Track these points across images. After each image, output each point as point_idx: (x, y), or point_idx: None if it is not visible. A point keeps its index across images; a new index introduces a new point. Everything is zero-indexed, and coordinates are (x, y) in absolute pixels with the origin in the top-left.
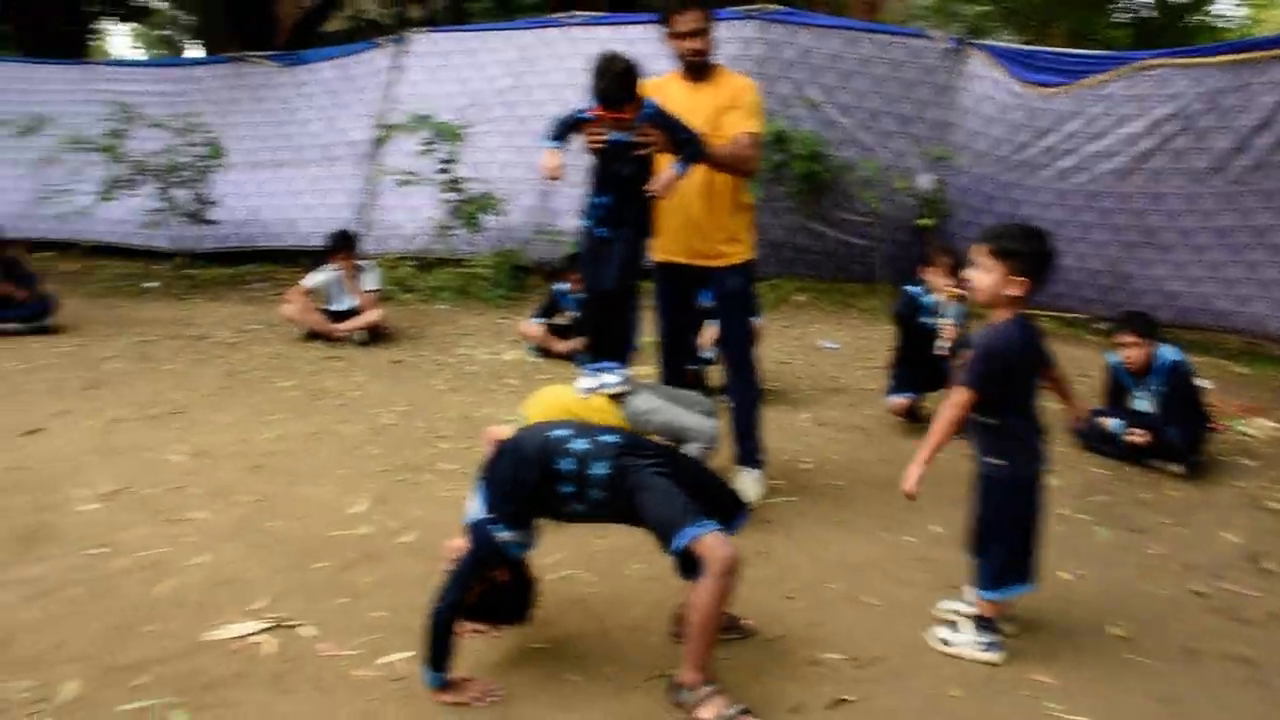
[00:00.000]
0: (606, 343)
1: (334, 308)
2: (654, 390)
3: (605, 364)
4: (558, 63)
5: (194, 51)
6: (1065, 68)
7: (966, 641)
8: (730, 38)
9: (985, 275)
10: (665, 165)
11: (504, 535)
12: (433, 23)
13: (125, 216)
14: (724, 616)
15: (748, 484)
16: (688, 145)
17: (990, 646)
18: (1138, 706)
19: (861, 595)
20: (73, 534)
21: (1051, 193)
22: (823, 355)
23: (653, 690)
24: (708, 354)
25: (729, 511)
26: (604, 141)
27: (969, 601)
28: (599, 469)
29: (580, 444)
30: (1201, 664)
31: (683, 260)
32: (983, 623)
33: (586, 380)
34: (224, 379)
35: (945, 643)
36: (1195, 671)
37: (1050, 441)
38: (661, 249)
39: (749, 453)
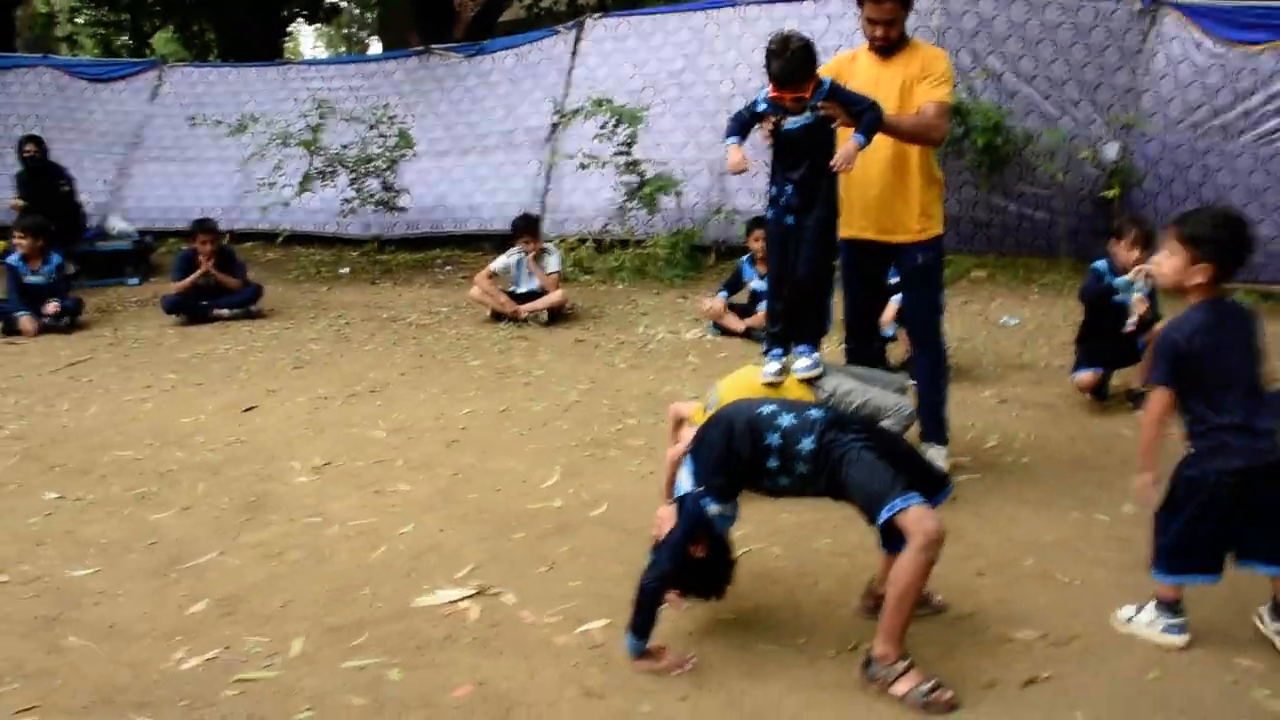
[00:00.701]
0: (799, 326)
1: (518, 289)
2: (845, 371)
3: (799, 348)
4: (731, 43)
5: (375, 47)
6: (1273, 22)
7: (1147, 620)
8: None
9: (1169, 259)
10: (846, 140)
11: (713, 508)
12: (606, 7)
13: (320, 206)
14: (923, 590)
15: (935, 461)
16: (867, 114)
17: (1170, 629)
18: None
19: (1054, 573)
20: (291, 503)
21: (1252, 157)
22: (1004, 331)
23: (844, 662)
24: (889, 331)
25: (931, 486)
26: (781, 128)
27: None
28: (805, 444)
29: (787, 419)
30: None
31: (871, 236)
32: (1162, 604)
33: (773, 365)
34: (417, 358)
35: (1126, 620)
36: None
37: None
38: (850, 226)
39: (935, 429)
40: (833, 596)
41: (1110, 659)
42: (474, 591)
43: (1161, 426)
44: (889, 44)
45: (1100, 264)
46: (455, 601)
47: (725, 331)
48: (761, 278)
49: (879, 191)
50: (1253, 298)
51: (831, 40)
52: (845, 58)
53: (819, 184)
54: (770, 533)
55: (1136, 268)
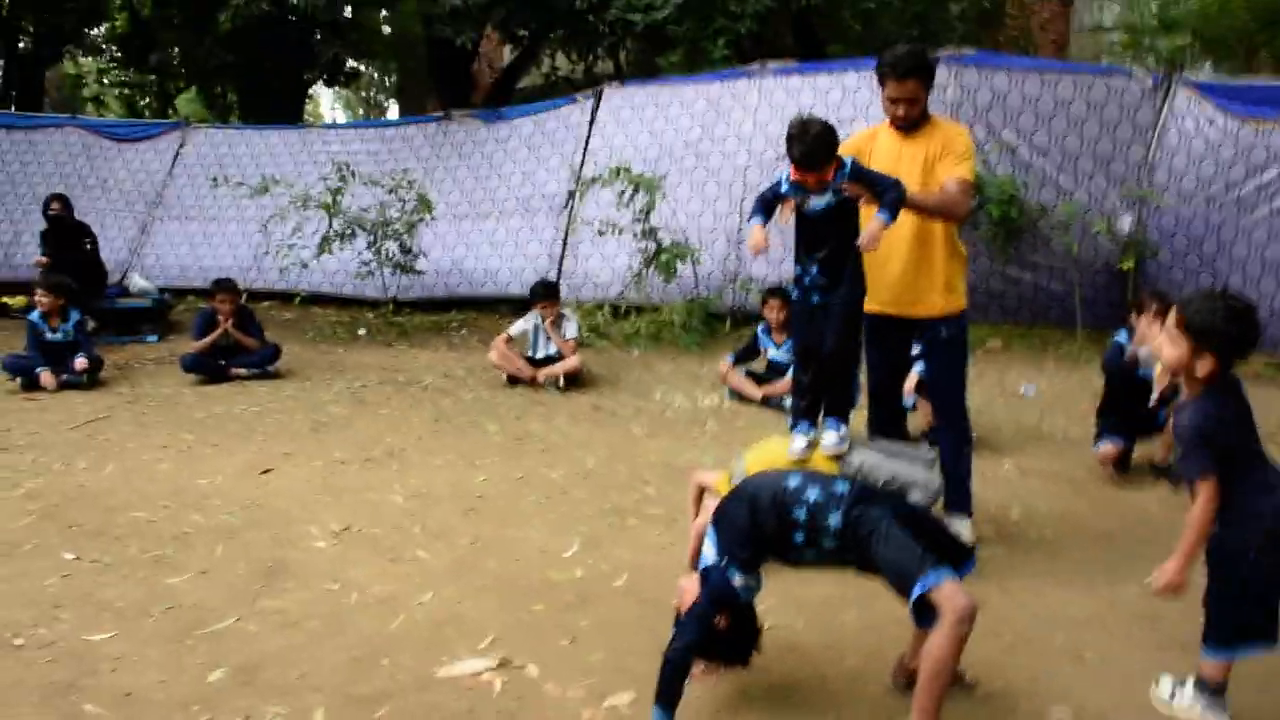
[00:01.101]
0: (827, 401)
1: (535, 354)
2: (871, 446)
3: (827, 421)
4: (747, 113)
5: (393, 110)
6: None
7: (1188, 703)
8: None
9: (1172, 347)
10: (870, 218)
11: (737, 580)
12: (624, 76)
13: (338, 268)
14: (956, 667)
15: (960, 533)
16: (890, 193)
17: (1210, 707)
18: None
19: (1083, 650)
20: (309, 569)
21: (1266, 231)
22: (1022, 402)
23: None
24: (909, 401)
25: (956, 558)
26: (804, 209)
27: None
28: (833, 519)
29: (813, 493)
30: None
31: (895, 312)
32: (1204, 685)
33: (800, 440)
34: (433, 423)
35: (1168, 698)
36: None
37: None
38: (873, 300)
39: (960, 500)
40: (861, 672)
41: None
42: (496, 663)
43: (1209, 522)
44: (910, 122)
45: (1121, 336)
46: (478, 673)
47: (742, 398)
48: (778, 347)
49: (903, 267)
50: (1270, 370)
51: (847, 112)
52: (865, 135)
53: (844, 263)
54: (795, 606)
55: (1158, 341)
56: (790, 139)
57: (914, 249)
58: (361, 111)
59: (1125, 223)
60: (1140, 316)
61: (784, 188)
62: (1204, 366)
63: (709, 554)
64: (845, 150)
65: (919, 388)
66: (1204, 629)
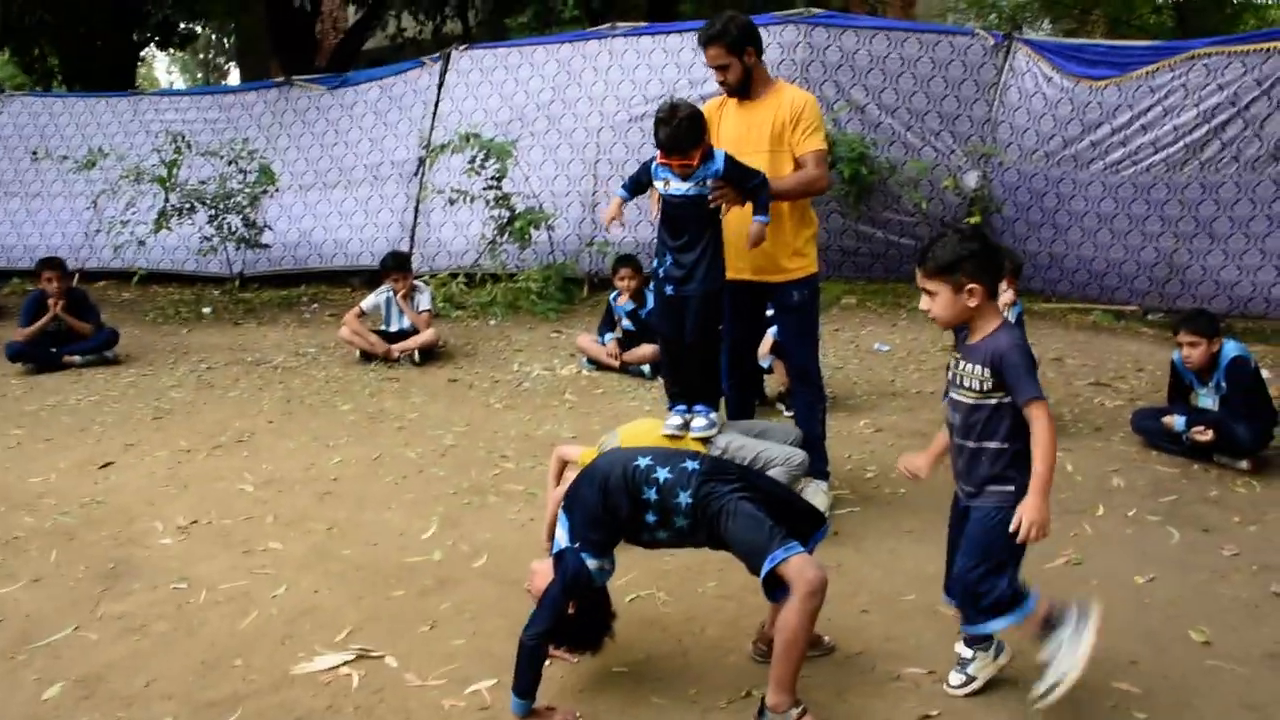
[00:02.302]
0: (694, 389)
1: (389, 328)
2: (739, 426)
3: (696, 407)
4: (599, 75)
5: (235, 74)
6: (1115, 60)
7: (980, 665)
8: (772, 43)
9: (935, 300)
10: (734, 215)
11: (591, 563)
12: (471, 39)
13: (178, 243)
14: (811, 637)
15: (815, 496)
16: (759, 192)
17: (997, 650)
18: (1226, 714)
19: (937, 606)
20: (154, 568)
21: (1101, 185)
22: (877, 358)
23: (737, 711)
24: (765, 363)
25: (809, 527)
26: (666, 194)
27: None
28: (682, 498)
29: (663, 473)
30: None
31: (748, 277)
32: (974, 638)
33: (676, 418)
34: (284, 404)
35: (970, 679)
36: None
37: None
38: (729, 268)
39: (816, 463)
40: (721, 642)
41: (996, 692)
42: (354, 656)
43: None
44: (734, 89)
45: None
46: (335, 668)
47: (601, 367)
48: (629, 313)
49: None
50: (1106, 318)
51: (699, 72)
52: (714, 105)
53: (699, 255)
54: (655, 577)
55: (1004, 297)
56: (657, 123)
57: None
58: (200, 76)
59: (971, 179)
60: None
61: (659, 175)
62: (974, 297)
63: (561, 538)
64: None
65: (774, 349)
66: (984, 604)
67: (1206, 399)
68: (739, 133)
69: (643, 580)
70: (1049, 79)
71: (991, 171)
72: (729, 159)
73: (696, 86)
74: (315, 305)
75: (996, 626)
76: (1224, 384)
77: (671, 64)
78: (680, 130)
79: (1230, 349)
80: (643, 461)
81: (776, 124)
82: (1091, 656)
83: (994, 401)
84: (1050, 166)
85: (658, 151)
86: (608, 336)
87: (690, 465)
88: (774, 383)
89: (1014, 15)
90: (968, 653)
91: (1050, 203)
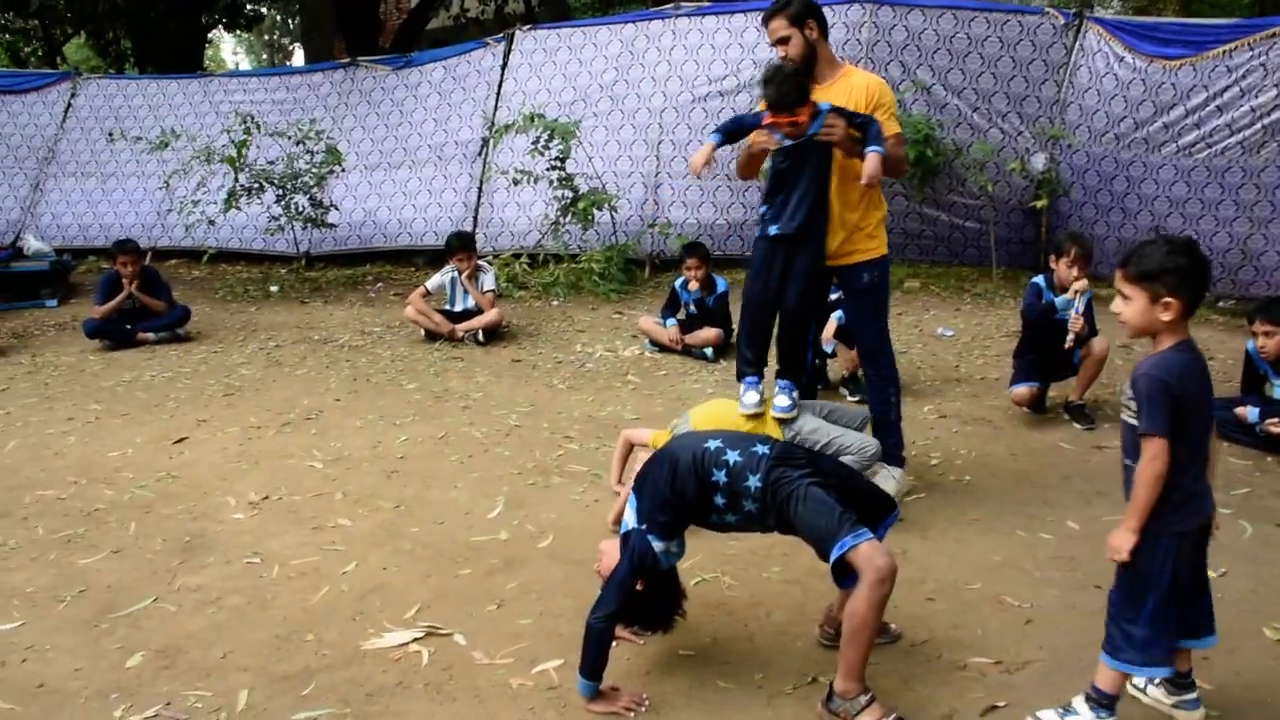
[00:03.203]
0: (782, 359)
1: (453, 308)
2: (812, 407)
3: (779, 383)
4: (663, 55)
5: (299, 54)
6: (1190, 39)
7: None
8: (837, 22)
9: (1129, 305)
10: (843, 161)
11: (658, 545)
12: (533, 18)
13: (246, 223)
14: (879, 624)
15: (889, 482)
16: (869, 126)
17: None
18: None
19: (1004, 596)
20: (228, 542)
21: (1173, 169)
22: (941, 343)
23: (803, 697)
24: (828, 347)
25: (878, 513)
26: (779, 145)
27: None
28: (752, 481)
29: (733, 456)
30: None
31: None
32: (1097, 700)
33: (752, 394)
34: (351, 382)
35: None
36: None
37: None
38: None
39: (890, 450)
40: (788, 627)
41: (1065, 683)
42: (423, 633)
43: (1161, 484)
44: (798, 63)
45: (1039, 279)
46: (405, 644)
47: (663, 348)
48: (696, 300)
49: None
50: None
51: (763, 53)
52: None
53: (812, 209)
54: (721, 561)
55: (1075, 284)
56: (764, 82)
57: (839, 200)
58: (265, 57)
59: (1039, 161)
60: (1059, 260)
61: (758, 119)
62: (1170, 311)
63: (629, 518)
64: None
65: (838, 333)
66: (1115, 636)
67: None
68: None
69: (708, 564)
70: (1121, 59)
71: (1060, 154)
72: (834, 106)
73: (761, 67)
74: (380, 284)
75: (1118, 666)
76: None
77: (736, 44)
78: (788, 85)
79: None
80: (713, 444)
81: (854, 108)
82: None
83: (1133, 423)
84: (1121, 149)
85: (766, 113)
86: (670, 320)
87: (761, 449)
88: (837, 367)
89: None
90: (1079, 705)
91: (1120, 186)
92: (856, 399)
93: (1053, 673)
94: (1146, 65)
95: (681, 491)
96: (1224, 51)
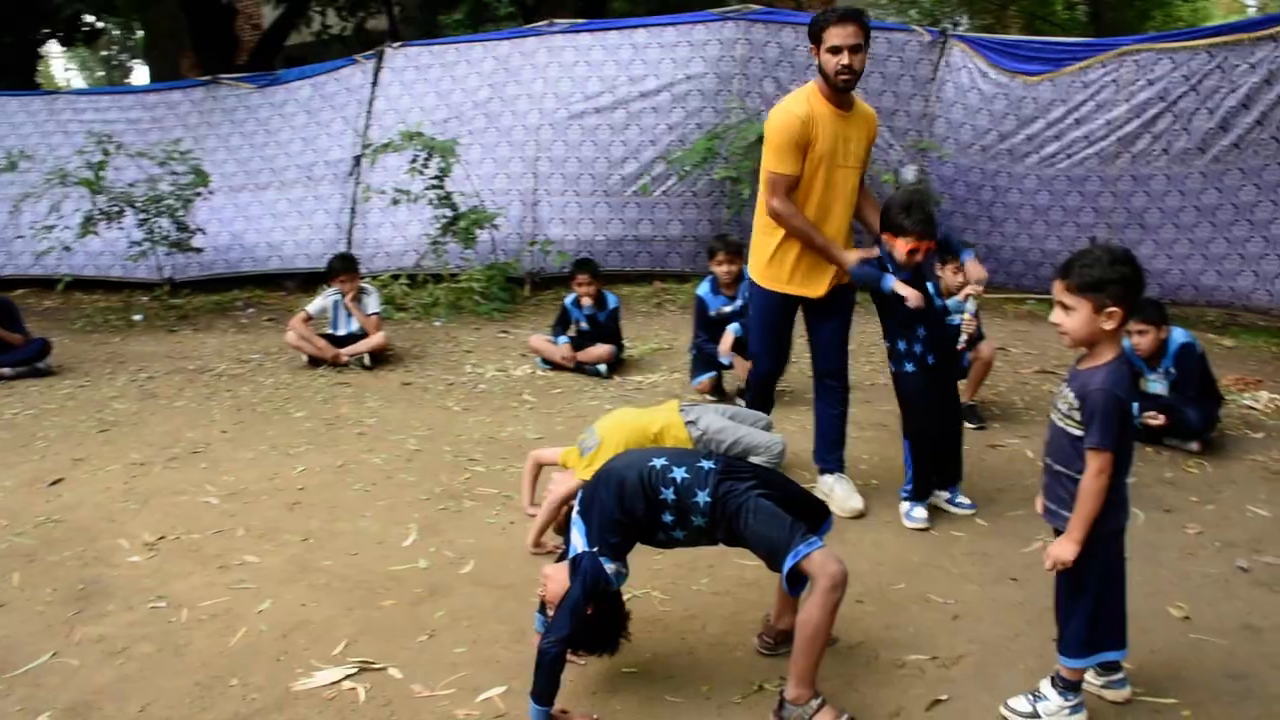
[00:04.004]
0: (946, 470)
1: (336, 332)
2: (714, 409)
3: (951, 489)
4: (538, 72)
5: (141, 73)
6: (1048, 56)
7: (1055, 709)
8: (712, 39)
9: (1071, 315)
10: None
11: (609, 567)
12: (398, 35)
13: (103, 248)
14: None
15: (845, 490)
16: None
17: (1076, 709)
18: (1212, 684)
19: (928, 594)
20: (127, 587)
21: (1036, 179)
22: None
23: (753, 705)
24: (726, 360)
25: (817, 519)
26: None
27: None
28: (701, 497)
29: (680, 473)
30: (1264, 639)
31: (823, 291)
32: (1063, 682)
33: (921, 511)
34: (235, 413)
35: (1028, 715)
36: (1259, 646)
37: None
38: (808, 285)
39: (840, 457)
40: (725, 638)
41: (1001, 674)
42: (356, 669)
43: (1106, 494)
44: (852, 80)
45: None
46: (337, 682)
47: (555, 366)
48: (588, 316)
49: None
50: (1043, 307)
51: (638, 70)
52: (803, 112)
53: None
54: (649, 577)
55: (966, 289)
56: (908, 207)
57: (849, 233)
58: (102, 74)
59: (909, 173)
60: (944, 267)
61: (890, 278)
62: (1113, 320)
63: (577, 542)
64: (796, 133)
65: (735, 346)
66: (1061, 635)
67: (1156, 384)
68: (833, 145)
69: (636, 580)
70: (984, 74)
71: (929, 166)
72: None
73: (636, 84)
74: (251, 310)
75: (1074, 664)
76: (1173, 370)
77: (611, 61)
78: (930, 211)
79: (1178, 336)
80: (659, 462)
81: (866, 141)
82: None
83: (1075, 433)
84: (986, 160)
85: (898, 241)
86: (562, 338)
87: (706, 464)
88: (732, 378)
89: (933, 11)
90: (1048, 690)
91: (986, 196)
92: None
93: (986, 664)
94: (1009, 81)
95: (631, 511)
96: (1080, 68)
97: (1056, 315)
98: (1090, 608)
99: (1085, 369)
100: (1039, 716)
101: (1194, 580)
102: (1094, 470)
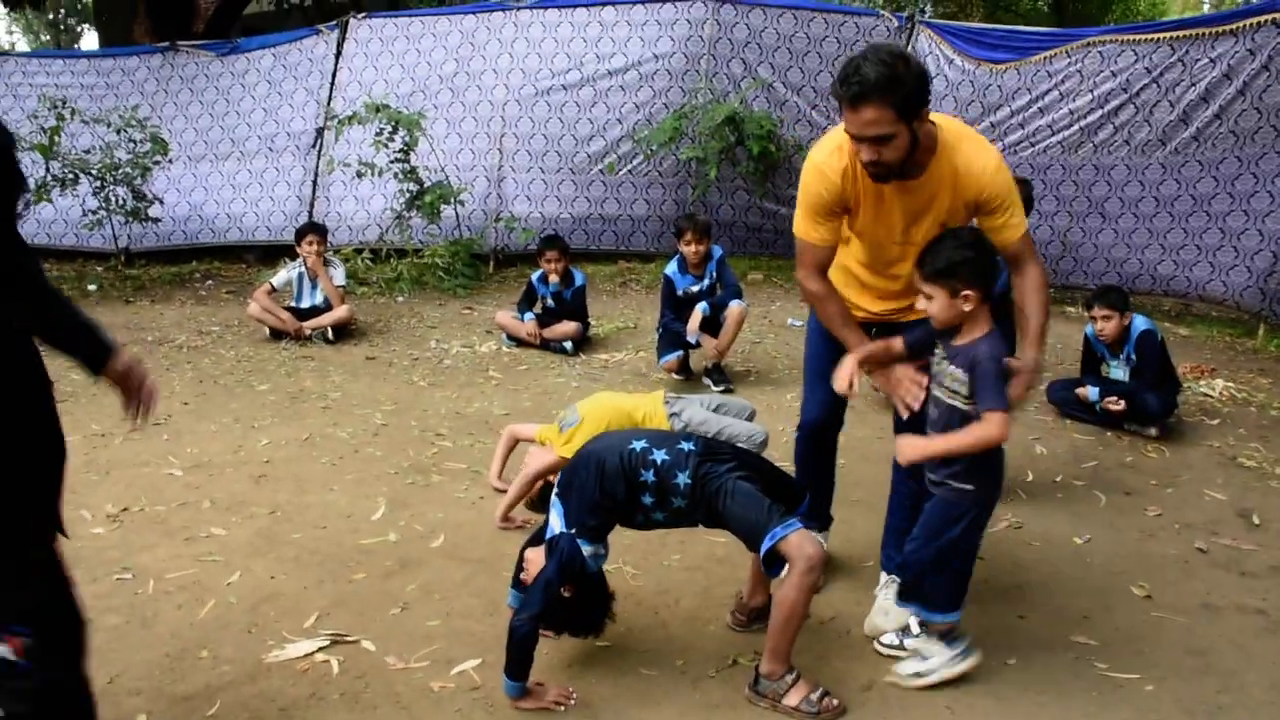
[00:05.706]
0: None
1: (300, 305)
2: (696, 401)
3: None
4: (504, 47)
5: (90, 37)
6: (1014, 45)
7: (941, 662)
8: (680, 19)
9: (932, 303)
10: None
11: (587, 549)
12: (361, 6)
13: (55, 216)
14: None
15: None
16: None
17: (965, 653)
18: (1174, 660)
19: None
20: (91, 559)
21: None
22: (792, 332)
23: (728, 679)
24: (693, 339)
25: (793, 501)
26: None
27: (916, 631)
28: (681, 479)
29: (660, 455)
30: (1222, 617)
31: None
32: (946, 635)
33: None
34: (197, 385)
35: (919, 675)
36: (1217, 624)
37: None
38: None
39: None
40: (698, 612)
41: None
42: (328, 641)
43: (988, 448)
44: (892, 171)
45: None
46: (311, 654)
47: (520, 343)
48: (554, 294)
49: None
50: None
51: (606, 47)
52: (836, 171)
53: None
54: (620, 552)
55: None
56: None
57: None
58: (47, 39)
59: None
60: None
61: None
62: (970, 302)
63: (555, 524)
64: (818, 194)
65: (703, 325)
66: (927, 592)
67: (1117, 370)
68: (877, 222)
69: (609, 555)
70: (951, 61)
71: None
72: None
73: (603, 61)
74: (210, 282)
75: (923, 616)
76: (1134, 356)
77: (579, 37)
78: None
79: (1139, 323)
80: (638, 444)
81: (940, 207)
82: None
83: (967, 409)
84: None
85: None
86: (528, 315)
87: (686, 446)
88: (699, 357)
89: (897, 0)
90: (933, 646)
91: None
92: (721, 388)
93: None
94: (974, 68)
95: (611, 493)
96: (1045, 58)
97: (921, 303)
98: (955, 572)
99: (964, 344)
100: (924, 675)
101: (1154, 560)
102: (993, 424)
